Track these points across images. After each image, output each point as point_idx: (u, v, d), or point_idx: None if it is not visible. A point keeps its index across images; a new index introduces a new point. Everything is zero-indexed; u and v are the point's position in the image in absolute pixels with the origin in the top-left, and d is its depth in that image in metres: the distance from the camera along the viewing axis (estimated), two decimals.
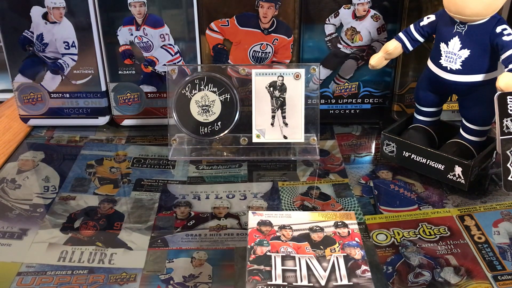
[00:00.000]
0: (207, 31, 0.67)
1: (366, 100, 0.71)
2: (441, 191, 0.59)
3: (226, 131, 0.63)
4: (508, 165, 0.51)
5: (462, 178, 0.56)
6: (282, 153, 0.65)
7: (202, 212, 0.56)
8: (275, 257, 0.45)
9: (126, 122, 0.72)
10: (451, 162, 0.56)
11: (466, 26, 0.54)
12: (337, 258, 0.45)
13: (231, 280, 0.47)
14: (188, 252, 0.50)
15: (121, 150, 0.68)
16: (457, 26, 0.54)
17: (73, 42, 0.67)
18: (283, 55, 0.68)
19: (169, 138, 0.64)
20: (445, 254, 0.50)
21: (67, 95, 0.71)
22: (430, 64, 0.58)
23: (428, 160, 0.58)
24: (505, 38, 0.52)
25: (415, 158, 0.60)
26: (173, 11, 0.66)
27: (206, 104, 0.62)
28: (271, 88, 0.61)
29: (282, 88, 0.61)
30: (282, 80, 0.61)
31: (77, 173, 0.63)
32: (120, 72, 0.69)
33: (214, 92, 0.62)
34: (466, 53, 0.54)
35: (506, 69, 0.51)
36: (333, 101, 0.71)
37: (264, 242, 0.47)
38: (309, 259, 0.45)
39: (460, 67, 0.55)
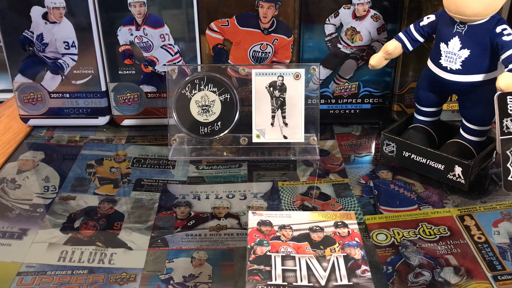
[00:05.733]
0: (207, 31, 0.67)
1: (366, 100, 0.71)
2: (441, 191, 0.59)
3: (226, 131, 0.63)
4: (508, 165, 0.51)
5: (462, 178, 0.56)
6: (282, 153, 0.65)
7: (202, 212, 0.56)
8: (275, 257, 0.45)
9: (126, 122, 0.72)
10: (451, 162, 0.56)
11: (466, 26, 0.54)
12: (337, 258, 0.45)
13: (231, 280, 0.47)
14: (188, 252, 0.50)
15: (121, 150, 0.68)
16: (457, 26, 0.54)
17: (73, 42, 0.67)
18: (283, 55, 0.68)
19: (169, 138, 0.64)
20: (445, 254, 0.50)
21: (67, 95, 0.71)
22: (430, 64, 0.58)
23: (428, 160, 0.58)
24: (505, 38, 0.52)
25: (415, 158, 0.60)
26: (173, 11, 0.66)
27: (206, 104, 0.62)
28: (271, 88, 0.61)
29: (282, 88, 0.61)
30: (282, 80, 0.61)
31: (77, 173, 0.63)
32: (120, 72, 0.69)
33: (214, 92, 0.62)
34: (466, 53, 0.54)
35: (506, 69, 0.51)
36: (333, 101, 0.71)
37: (264, 242, 0.47)
38: (309, 259, 0.45)
39: (460, 67, 0.55)
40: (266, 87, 0.61)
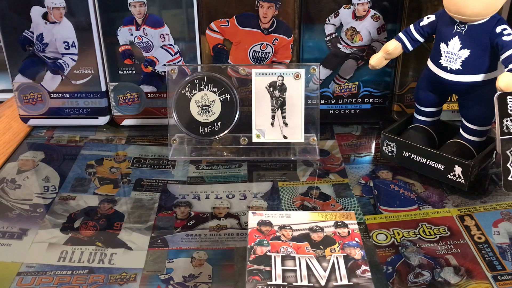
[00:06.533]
0: (207, 31, 0.67)
1: (366, 100, 0.71)
2: (441, 191, 0.59)
3: (226, 131, 0.63)
4: (508, 165, 0.51)
5: (462, 178, 0.56)
6: (282, 153, 0.65)
7: (202, 212, 0.56)
8: (275, 257, 0.45)
9: (126, 122, 0.72)
10: (451, 162, 0.56)
11: (466, 26, 0.54)
12: (337, 258, 0.45)
13: (231, 280, 0.47)
14: (188, 252, 0.50)
15: (121, 150, 0.68)
16: (457, 26, 0.54)
17: (73, 42, 0.67)
18: (283, 55, 0.68)
19: (169, 138, 0.64)
20: (445, 254, 0.50)
21: (67, 95, 0.71)
22: (430, 64, 0.58)
23: (428, 160, 0.58)
24: (505, 38, 0.52)
25: (415, 158, 0.60)
26: (173, 11, 0.66)
27: (206, 104, 0.62)
28: (271, 88, 0.61)
29: (282, 88, 0.61)
30: (282, 80, 0.61)
31: (77, 173, 0.63)
32: (120, 72, 0.69)
33: (214, 92, 0.62)
34: (466, 53, 0.54)
35: (506, 69, 0.51)
36: (333, 101, 0.71)
37: (264, 242, 0.47)
38: (309, 259, 0.45)
39: (460, 67, 0.55)
40: (266, 87, 0.61)
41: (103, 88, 0.70)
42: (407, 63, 0.68)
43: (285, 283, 0.43)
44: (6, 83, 1.20)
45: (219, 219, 0.55)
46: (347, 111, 0.72)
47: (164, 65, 0.68)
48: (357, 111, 0.72)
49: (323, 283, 0.43)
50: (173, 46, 0.68)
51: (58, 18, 0.66)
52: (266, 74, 0.61)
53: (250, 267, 0.44)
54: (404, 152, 0.60)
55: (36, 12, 0.66)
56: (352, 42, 0.68)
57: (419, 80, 0.61)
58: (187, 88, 0.62)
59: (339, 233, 0.48)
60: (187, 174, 0.63)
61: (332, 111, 0.72)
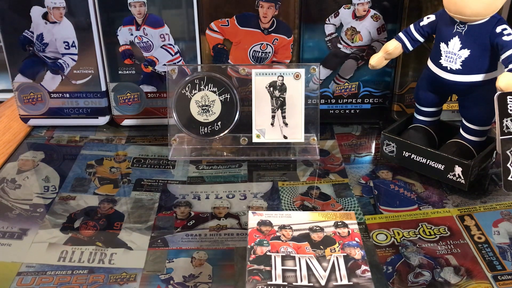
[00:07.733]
0: (207, 31, 0.67)
1: (366, 100, 0.71)
2: (441, 191, 0.59)
3: (226, 131, 0.63)
4: (508, 165, 0.51)
5: (462, 178, 0.56)
6: (282, 153, 0.65)
7: (202, 212, 0.56)
8: (275, 257, 0.45)
9: (126, 122, 0.72)
10: (451, 162, 0.56)
11: (466, 26, 0.54)
12: (337, 258, 0.45)
13: (231, 280, 0.47)
14: (188, 252, 0.51)
15: (121, 150, 0.68)
16: (457, 26, 0.54)
17: (73, 42, 0.67)
18: (283, 55, 0.68)
19: (169, 138, 0.64)
20: (445, 254, 0.50)
21: (67, 95, 0.71)
22: (430, 64, 0.58)
23: (428, 160, 0.58)
24: (505, 38, 0.52)
25: (415, 158, 0.60)
26: (173, 11, 0.66)
27: (206, 104, 0.62)
28: (271, 88, 0.61)
29: (282, 88, 0.61)
30: (282, 80, 0.61)
31: (77, 173, 0.63)
32: (120, 72, 0.69)
33: (214, 92, 0.62)
34: (466, 53, 0.54)
35: (506, 69, 0.51)
36: (333, 101, 0.71)
37: (264, 242, 0.47)
38: (309, 259, 0.45)
39: (460, 67, 0.55)
40: (266, 87, 0.61)
41: (103, 88, 0.70)
42: (407, 63, 0.68)
43: (285, 283, 0.43)
44: (6, 83, 1.20)
45: (219, 219, 0.55)
46: (347, 111, 0.72)
47: (164, 65, 0.68)
48: (357, 111, 0.72)
49: (323, 283, 0.43)
50: (173, 46, 0.68)
51: (58, 18, 0.66)
52: (266, 74, 0.61)
53: (250, 267, 0.44)
54: (404, 152, 0.60)
55: (36, 12, 0.66)
56: (352, 42, 0.68)
57: (419, 80, 0.61)
58: (187, 88, 0.62)
59: (339, 233, 0.48)
60: (187, 174, 0.63)
61: (332, 111, 0.72)
